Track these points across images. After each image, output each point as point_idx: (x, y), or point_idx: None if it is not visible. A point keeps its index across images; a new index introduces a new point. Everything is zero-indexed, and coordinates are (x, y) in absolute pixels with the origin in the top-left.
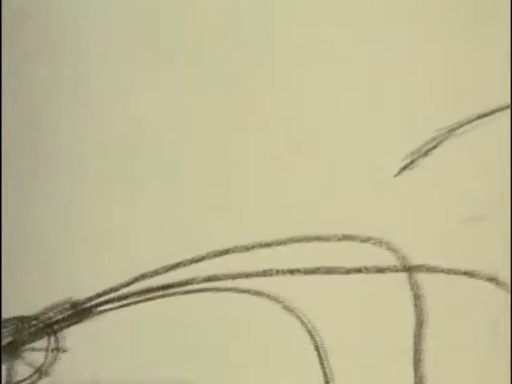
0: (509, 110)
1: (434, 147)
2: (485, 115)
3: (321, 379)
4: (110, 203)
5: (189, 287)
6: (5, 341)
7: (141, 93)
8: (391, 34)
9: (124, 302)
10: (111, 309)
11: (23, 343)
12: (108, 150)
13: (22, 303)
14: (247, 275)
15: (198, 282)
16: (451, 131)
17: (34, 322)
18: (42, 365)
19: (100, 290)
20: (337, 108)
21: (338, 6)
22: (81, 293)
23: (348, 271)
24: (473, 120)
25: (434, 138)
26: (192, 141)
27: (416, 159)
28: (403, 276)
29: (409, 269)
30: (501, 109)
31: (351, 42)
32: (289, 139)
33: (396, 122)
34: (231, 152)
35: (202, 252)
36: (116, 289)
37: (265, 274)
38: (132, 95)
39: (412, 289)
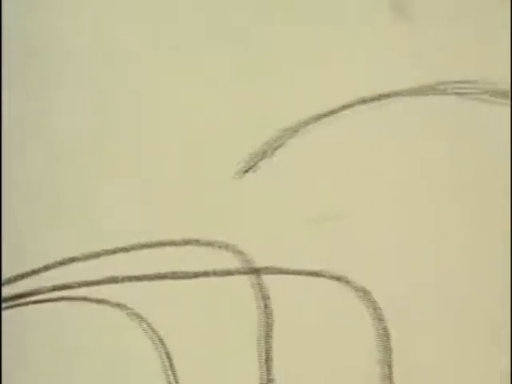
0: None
1: (277, 147)
2: (327, 114)
3: None
4: None
5: (36, 297)
6: None
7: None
8: None
9: None
10: None
11: None
12: None
13: None
14: (92, 283)
15: (45, 292)
16: (294, 131)
17: None
18: None
19: None
20: (179, 108)
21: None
22: None
23: (194, 275)
24: (316, 119)
25: (276, 138)
26: None
27: (258, 159)
28: (250, 278)
29: (255, 271)
30: (345, 107)
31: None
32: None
33: (240, 121)
34: None
35: (49, 261)
36: None
37: (109, 281)
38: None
39: (259, 290)
